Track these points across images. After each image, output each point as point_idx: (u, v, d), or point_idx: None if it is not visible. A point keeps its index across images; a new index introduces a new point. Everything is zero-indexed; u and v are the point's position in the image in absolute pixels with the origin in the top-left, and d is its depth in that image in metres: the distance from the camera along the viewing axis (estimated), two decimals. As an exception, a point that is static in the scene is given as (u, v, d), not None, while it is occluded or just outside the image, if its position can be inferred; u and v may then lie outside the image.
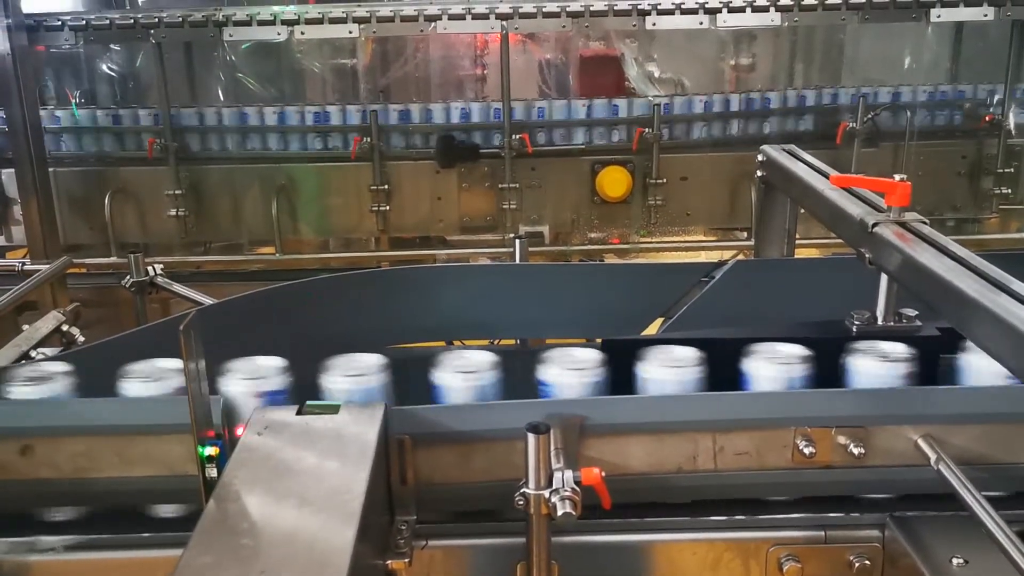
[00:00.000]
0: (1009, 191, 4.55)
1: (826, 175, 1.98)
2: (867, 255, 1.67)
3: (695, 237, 4.76)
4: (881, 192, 1.70)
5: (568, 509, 1.31)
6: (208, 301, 2.61)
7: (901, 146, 4.51)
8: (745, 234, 4.64)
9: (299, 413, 1.44)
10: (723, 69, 5.06)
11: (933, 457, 1.43)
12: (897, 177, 1.66)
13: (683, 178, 4.52)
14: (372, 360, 1.61)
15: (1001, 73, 4.47)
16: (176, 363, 1.56)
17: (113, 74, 4.82)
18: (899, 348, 1.64)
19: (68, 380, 1.63)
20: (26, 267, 3.94)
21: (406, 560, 1.39)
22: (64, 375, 1.63)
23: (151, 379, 1.59)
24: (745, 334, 1.70)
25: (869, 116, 4.45)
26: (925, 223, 1.63)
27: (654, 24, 4.25)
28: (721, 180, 4.55)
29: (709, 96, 4.53)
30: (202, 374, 1.34)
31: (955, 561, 1.39)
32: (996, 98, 4.55)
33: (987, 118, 4.54)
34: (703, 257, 4.50)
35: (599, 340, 1.85)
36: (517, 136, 4.36)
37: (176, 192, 4.43)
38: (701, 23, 4.26)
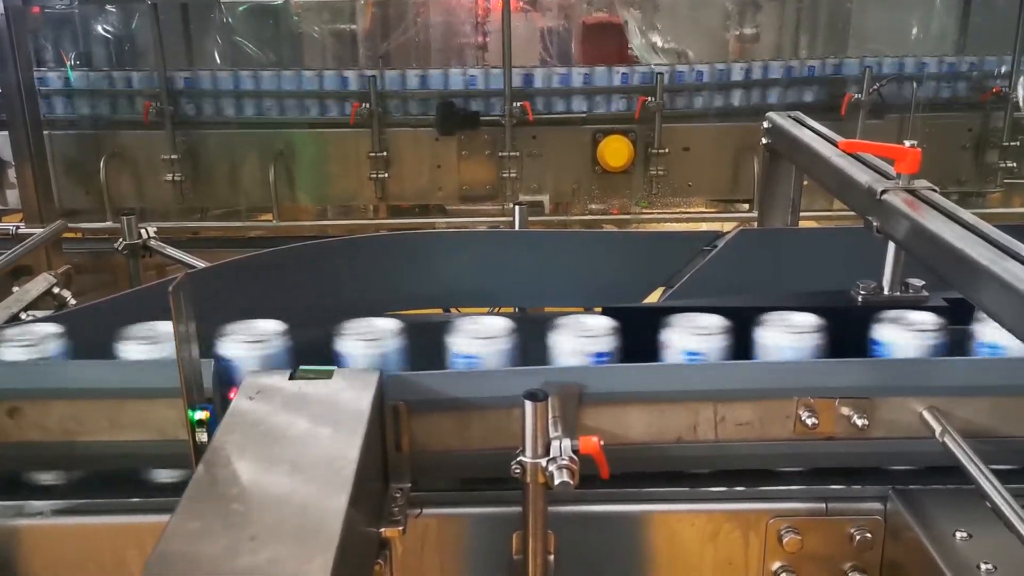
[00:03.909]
0: (1014, 165, 4.52)
1: (833, 142, 1.95)
2: (875, 223, 1.63)
3: (696, 208, 4.73)
4: (890, 159, 1.67)
5: (565, 478, 1.28)
6: (202, 265, 2.58)
7: (906, 118, 4.46)
8: (747, 206, 4.60)
9: (292, 378, 1.41)
10: (727, 39, 5.00)
11: (938, 429, 1.40)
12: (907, 143, 1.63)
13: (685, 148, 4.47)
14: (387, 324, 1.58)
15: (1009, 45, 4.41)
16: (168, 326, 1.53)
17: (109, 36, 4.75)
18: (925, 317, 1.60)
19: (58, 342, 1.60)
20: (20, 231, 3.91)
21: (400, 528, 1.37)
22: (54, 337, 1.60)
23: (143, 342, 1.56)
24: (750, 303, 1.67)
25: (874, 87, 4.40)
26: (935, 191, 1.60)
27: (658, -9, 4.20)
28: (724, 151, 4.51)
29: (712, 65, 4.48)
30: (192, 337, 1.31)
31: (959, 535, 1.37)
32: (1003, 70, 4.50)
33: (994, 90, 4.49)
34: (704, 228, 4.46)
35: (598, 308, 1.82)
36: (518, 104, 4.31)
37: (172, 157, 4.39)
38: (706, -10, 4.21)
